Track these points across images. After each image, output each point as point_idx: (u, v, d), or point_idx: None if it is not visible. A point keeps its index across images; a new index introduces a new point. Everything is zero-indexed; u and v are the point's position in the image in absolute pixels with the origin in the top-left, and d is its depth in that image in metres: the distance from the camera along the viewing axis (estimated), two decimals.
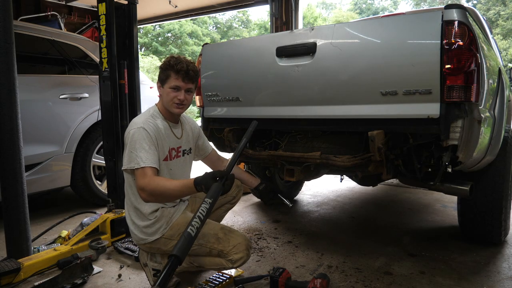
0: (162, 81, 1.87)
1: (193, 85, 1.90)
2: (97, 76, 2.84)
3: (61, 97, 3.15)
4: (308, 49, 2.07)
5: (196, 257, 1.86)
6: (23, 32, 3.07)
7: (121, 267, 2.16)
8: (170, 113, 1.89)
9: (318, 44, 2.04)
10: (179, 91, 1.85)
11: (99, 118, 3.03)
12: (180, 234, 1.73)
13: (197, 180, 1.59)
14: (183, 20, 22.98)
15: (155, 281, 1.33)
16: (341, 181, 3.91)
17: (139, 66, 2.93)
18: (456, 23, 1.69)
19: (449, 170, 2.13)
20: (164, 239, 1.81)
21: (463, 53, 1.68)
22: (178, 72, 1.83)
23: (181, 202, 1.96)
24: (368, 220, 3.04)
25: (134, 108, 2.82)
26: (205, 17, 27.22)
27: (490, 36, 3.11)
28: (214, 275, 1.99)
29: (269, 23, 6.66)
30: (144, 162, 1.68)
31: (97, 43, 2.96)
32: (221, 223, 2.11)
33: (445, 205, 3.36)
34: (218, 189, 1.54)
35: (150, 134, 1.75)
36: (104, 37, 2.59)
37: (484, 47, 1.96)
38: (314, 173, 2.37)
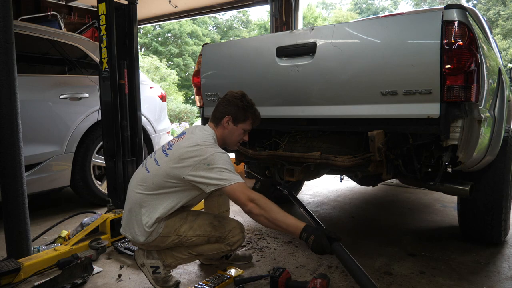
0: (237, 119, 1.94)
1: None
2: (97, 76, 2.84)
3: (61, 97, 3.15)
4: (308, 49, 2.07)
5: (195, 247, 1.90)
6: (23, 32, 3.07)
7: (121, 267, 2.16)
8: (223, 145, 1.98)
9: (318, 44, 2.04)
10: (246, 133, 2.01)
11: (99, 118, 3.03)
12: (176, 229, 1.83)
13: (309, 229, 1.60)
14: (183, 20, 22.98)
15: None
16: (341, 181, 3.91)
17: (139, 66, 2.93)
18: (456, 23, 1.69)
19: (449, 170, 2.13)
20: (161, 237, 1.83)
21: (463, 53, 1.68)
22: (256, 119, 2.00)
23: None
24: (368, 220, 3.04)
25: (134, 108, 2.82)
26: (205, 17, 27.23)
27: (490, 36, 3.11)
28: (214, 275, 1.99)
29: (269, 23, 6.66)
30: (240, 179, 1.73)
31: (97, 43, 2.97)
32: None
33: (445, 205, 3.36)
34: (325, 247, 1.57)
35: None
36: (104, 37, 2.59)
37: (484, 47, 1.96)
38: (314, 173, 2.37)
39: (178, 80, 24.01)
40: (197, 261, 2.22)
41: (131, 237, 1.86)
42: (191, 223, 1.88)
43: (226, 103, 1.95)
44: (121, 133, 2.70)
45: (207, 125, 1.99)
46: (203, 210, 2.27)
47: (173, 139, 1.94)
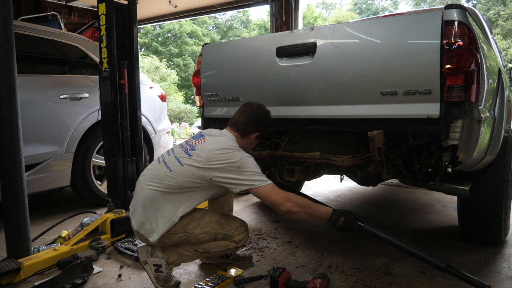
0: (262, 132, 2.06)
1: None
2: (97, 76, 2.84)
3: (61, 97, 3.15)
4: (308, 49, 2.07)
5: (201, 244, 1.93)
6: (23, 32, 3.07)
7: (121, 267, 2.16)
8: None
9: (318, 44, 2.04)
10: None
11: (99, 118, 3.03)
12: (183, 227, 1.85)
13: (337, 212, 1.84)
14: (183, 20, 22.99)
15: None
16: (341, 181, 3.91)
17: (139, 66, 2.93)
18: (456, 23, 1.69)
19: (449, 170, 2.13)
20: (168, 234, 1.84)
21: (463, 53, 1.68)
22: (270, 128, 2.14)
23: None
24: (368, 220, 3.01)
25: (134, 108, 2.82)
26: (205, 17, 27.25)
27: (490, 36, 3.11)
28: (214, 275, 1.99)
29: (269, 23, 6.66)
30: (270, 181, 1.82)
31: (97, 43, 2.96)
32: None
33: (445, 205, 3.35)
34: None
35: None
36: (104, 37, 2.59)
37: (484, 47, 1.96)
38: (314, 173, 2.37)
39: (178, 80, 24.03)
40: (197, 261, 2.22)
41: (144, 233, 1.85)
42: (199, 220, 1.89)
43: (258, 119, 2.03)
44: (121, 133, 2.70)
45: (225, 130, 2.04)
46: (206, 208, 2.28)
47: (191, 139, 1.98)
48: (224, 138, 1.94)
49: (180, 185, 1.82)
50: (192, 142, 1.93)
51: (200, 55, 2.57)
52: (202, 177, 1.81)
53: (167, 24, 25.19)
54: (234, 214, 3.19)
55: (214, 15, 26.68)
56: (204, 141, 1.91)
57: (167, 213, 1.81)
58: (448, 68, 1.68)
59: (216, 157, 1.81)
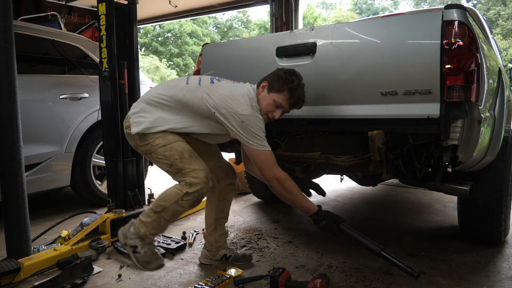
0: (272, 88, 1.89)
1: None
2: (97, 76, 2.84)
3: (61, 97, 3.15)
4: (308, 49, 2.07)
5: (157, 203, 1.93)
6: (23, 32, 3.07)
7: (121, 267, 2.16)
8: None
9: (318, 44, 2.04)
10: (278, 110, 1.91)
11: (99, 118, 3.03)
12: (154, 139, 1.88)
13: (320, 213, 1.88)
14: (183, 20, 22.98)
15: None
16: (341, 181, 3.91)
17: (139, 66, 2.92)
18: (456, 23, 1.69)
19: (449, 170, 2.13)
20: (140, 135, 1.91)
21: (463, 53, 1.68)
22: (292, 98, 1.89)
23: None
24: (368, 220, 3.04)
25: None
26: (205, 17, 27.23)
27: (490, 36, 3.11)
28: (214, 275, 1.99)
29: (269, 23, 6.66)
30: (269, 148, 1.84)
31: (97, 43, 2.96)
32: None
33: (445, 205, 3.35)
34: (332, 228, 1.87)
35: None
36: (104, 37, 2.59)
37: (484, 47, 1.96)
38: (314, 173, 2.37)
39: None
40: (197, 261, 2.22)
41: (132, 120, 1.94)
42: (167, 141, 1.89)
43: (274, 72, 1.95)
44: (121, 133, 2.70)
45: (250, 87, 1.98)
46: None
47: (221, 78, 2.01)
48: (246, 90, 1.91)
49: (185, 99, 1.86)
50: (221, 79, 1.98)
51: (200, 55, 2.57)
52: (206, 105, 1.83)
53: (167, 24, 25.17)
54: (233, 214, 3.20)
55: (214, 15, 26.69)
56: (231, 81, 1.96)
57: (160, 119, 1.88)
58: (448, 68, 1.68)
59: (226, 102, 1.81)
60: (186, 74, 25.96)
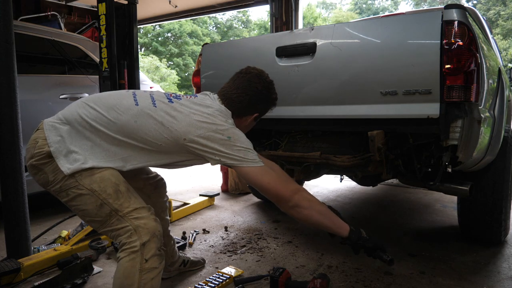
0: (262, 112, 1.68)
1: None
2: (97, 76, 2.84)
3: (61, 97, 3.15)
4: (308, 49, 2.07)
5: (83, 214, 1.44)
6: (23, 32, 3.07)
7: None
8: None
9: (318, 44, 2.04)
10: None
11: None
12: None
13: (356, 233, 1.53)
14: (183, 20, 22.98)
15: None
16: (341, 181, 3.91)
17: (139, 66, 2.93)
18: (456, 23, 1.69)
19: (449, 170, 2.13)
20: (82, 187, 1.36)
21: (463, 53, 1.68)
22: (274, 104, 1.70)
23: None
24: (368, 220, 3.04)
25: None
26: (205, 17, 27.24)
27: (490, 36, 3.11)
28: (214, 275, 1.99)
29: (269, 23, 6.66)
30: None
31: (97, 43, 2.97)
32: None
33: (445, 205, 3.35)
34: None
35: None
36: (104, 37, 2.59)
37: (484, 47, 1.96)
38: (314, 173, 2.37)
39: (178, 80, 24.03)
40: None
41: (61, 150, 1.35)
42: (96, 171, 1.35)
43: (257, 96, 1.60)
44: None
45: (219, 102, 1.59)
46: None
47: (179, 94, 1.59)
48: (218, 106, 1.54)
49: (136, 128, 1.36)
50: (179, 95, 1.55)
51: (200, 55, 2.57)
52: (171, 134, 1.37)
53: (167, 24, 25.19)
54: (233, 214, 3.20)
55: (214, 15, 26.69)
56: (194, 98, 1.54)
57: (85, 156, 1.35)
58: (448, 68, 1.68)
59: (200, 117, 1.41)
60: (186, 75, 25.94)
